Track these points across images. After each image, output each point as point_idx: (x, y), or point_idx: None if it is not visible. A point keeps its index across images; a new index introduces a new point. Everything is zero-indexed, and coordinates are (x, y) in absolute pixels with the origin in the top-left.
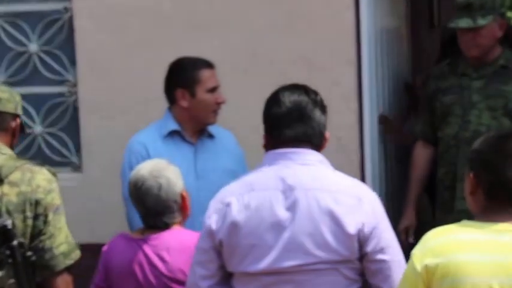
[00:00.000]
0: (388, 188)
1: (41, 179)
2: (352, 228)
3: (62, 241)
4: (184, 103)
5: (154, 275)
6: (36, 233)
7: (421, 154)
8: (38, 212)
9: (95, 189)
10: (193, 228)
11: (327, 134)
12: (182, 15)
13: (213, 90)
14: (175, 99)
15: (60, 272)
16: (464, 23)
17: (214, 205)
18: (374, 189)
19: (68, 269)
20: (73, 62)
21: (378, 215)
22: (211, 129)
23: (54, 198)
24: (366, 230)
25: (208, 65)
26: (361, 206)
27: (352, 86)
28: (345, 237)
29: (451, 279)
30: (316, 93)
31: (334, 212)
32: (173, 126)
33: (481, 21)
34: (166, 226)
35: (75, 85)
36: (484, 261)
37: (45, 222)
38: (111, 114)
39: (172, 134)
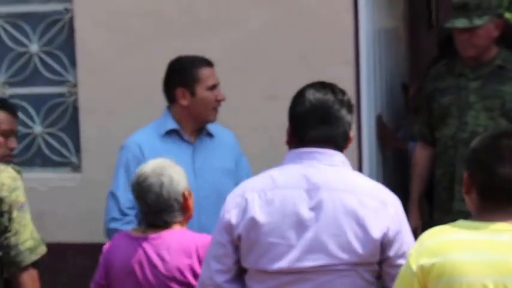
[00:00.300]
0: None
1: (5, 177)
2: (377, 232)
3: (27, 237)
4: (184, 102)
5: (154, 274)
6: (2, 230)
7: (422, 155)
8: (2, 209)
9: (94, 189)
10: (191, 227)
11: (351, 134)
12: (182, 15)
13: (212, 88)
14: (175, 98)
15: (27, 268)
16: (460, 23)
17: (233, 199)
18: None
19: (34, 265)
20: (73, 62)
21: (400, 218)
22: (211, 128)
23: (19, 196)
24: (391, 234)
25: (208, 63)
26: (385, 210)
27: (351, 87)
28: (369, 240)
29: (447, 278)
30: (343, 92)
31: (359, 214)
32: (171, 125)
33: (477, 22)
34: (166, 225)
35: (75, 85)
36: (479, 261)
37: (10, 219)
38: (111, 115)
39: (171, 133)
